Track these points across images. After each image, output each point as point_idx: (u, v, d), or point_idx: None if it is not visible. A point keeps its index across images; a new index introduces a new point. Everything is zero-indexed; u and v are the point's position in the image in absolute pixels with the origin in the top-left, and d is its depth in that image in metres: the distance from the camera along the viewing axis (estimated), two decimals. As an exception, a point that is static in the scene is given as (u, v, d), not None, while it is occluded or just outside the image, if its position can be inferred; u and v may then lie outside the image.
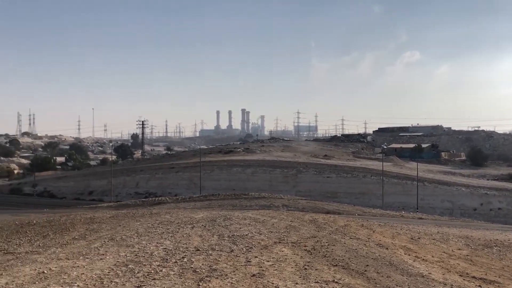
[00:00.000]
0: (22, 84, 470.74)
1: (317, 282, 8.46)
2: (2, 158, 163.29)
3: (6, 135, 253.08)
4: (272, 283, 8.04)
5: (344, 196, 65.46)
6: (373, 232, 16.98)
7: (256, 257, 10.16)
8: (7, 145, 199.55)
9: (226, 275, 8.39)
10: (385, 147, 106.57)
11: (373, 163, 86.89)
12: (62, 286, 7.66)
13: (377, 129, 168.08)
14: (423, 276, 10.19)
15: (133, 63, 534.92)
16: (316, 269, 9.49)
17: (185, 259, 9.66)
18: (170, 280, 7.90)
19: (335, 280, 8.71)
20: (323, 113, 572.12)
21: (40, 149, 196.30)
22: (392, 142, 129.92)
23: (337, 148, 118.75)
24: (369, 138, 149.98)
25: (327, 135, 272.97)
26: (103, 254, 10.53)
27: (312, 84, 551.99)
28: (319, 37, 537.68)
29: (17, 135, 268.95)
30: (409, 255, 13.21)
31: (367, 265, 10.55)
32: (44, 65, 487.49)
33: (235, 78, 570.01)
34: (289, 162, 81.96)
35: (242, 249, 11.00)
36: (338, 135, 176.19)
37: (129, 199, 63.12)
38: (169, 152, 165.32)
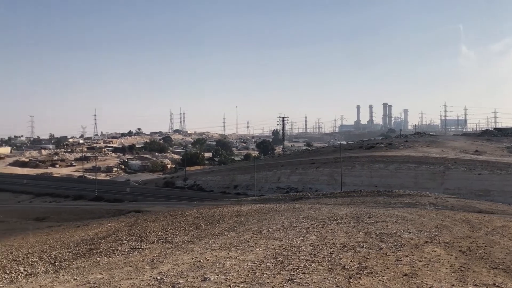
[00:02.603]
0: (174, 85, 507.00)
1: (475, 285, 7.88)
2: (157, 153, 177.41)
3: (160, 133, 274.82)
4: (426, 284, 7.65)
5: (498, 194, 60.48)
6: (536, 234, 15.43)
7: (406, 256, 9.76)
8: (161, 141, 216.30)
9: (377, 273, 8.16)
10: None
11: (532, 159, 79.16)
12: (217, 275, 8.04)
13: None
14: None
15: (273, 61, 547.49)
16: (473, 271, 8.85)
17: (333, 255, 9.60)
18: (320, 275, 7.90)
19: (496, 284, 8.04)
20: (473, 105, 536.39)
21: (190, 145, 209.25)
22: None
23: (489, 143, 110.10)
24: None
25: (477, 129, 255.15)
26: (253, 246, 10.88)
27: (460, 74, 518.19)
28: (468, 21, 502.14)
29: (169, 132, 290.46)
30: None
31: (532, 270, 9.60)
32: (192, 68, 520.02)
33: (375, 71, 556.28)
34: (436, 158, 77.84)
35: (391, 247, 10.64)
36: (491, 129, 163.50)
37: (271, 194, 64.67)
38: (309, 148, 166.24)
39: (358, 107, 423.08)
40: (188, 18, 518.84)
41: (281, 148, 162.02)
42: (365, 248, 10.47)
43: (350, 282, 7.51)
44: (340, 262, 8.95)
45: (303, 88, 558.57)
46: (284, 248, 10.42)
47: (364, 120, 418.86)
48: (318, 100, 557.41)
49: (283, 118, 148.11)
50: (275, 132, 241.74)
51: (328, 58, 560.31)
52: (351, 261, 9.05)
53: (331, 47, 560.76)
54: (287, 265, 8.63)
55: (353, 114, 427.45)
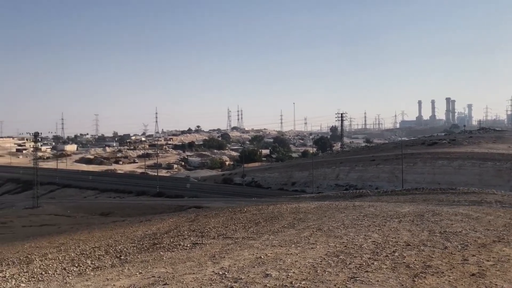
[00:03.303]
0: (232, 83, 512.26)
1: (549, 287, 7.48)
2: (215, 150, 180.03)
3: (218, 130, 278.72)
4: (496, 284, 7.33)
5: None
6: None
7: (473, 255, 9.40)
8: (220, 139, 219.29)
9: (443, 272, 7.91)
10: None
11: None
12: (279, 272, 8.04)
13: None
14: None
15: (330, 57, 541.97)
16: (547, 273, 8.41)
17: (396, 254, 9.38)
18: (383, 273, 7.74)
19: None
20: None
21: (247, 142, 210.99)
22: None
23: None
24: None
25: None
26: (313, 244, 10.81)
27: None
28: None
29: (227, 129, 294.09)
30: None
31: None
32: (250, 66, 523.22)
33: (438, 65, 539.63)
34: (502, 155, 74.59)
35: (457, 246, 10.28)
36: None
37: (330, 191, 64.14)
38: (368, 144, 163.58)
39: (419, 102, 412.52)
40: (243, 17, 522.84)
41: (339, 144, 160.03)
42: (430, 247, 10.17)
43: (415, 281, 7.32)
44: (404, 261, 8.73)
45: (362, 84, 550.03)
46: (345, 246, 10.29)
47: (426, 115, 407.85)
48: (377, 96, 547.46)
49: (341, 114, 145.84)
50: (333, 129, 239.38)
51: (388, 52, 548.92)
52: (415, 260, 8.81)
53: (392, 40, 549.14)
54: (349, 263, 8.52)
55: (415, 110, 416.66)
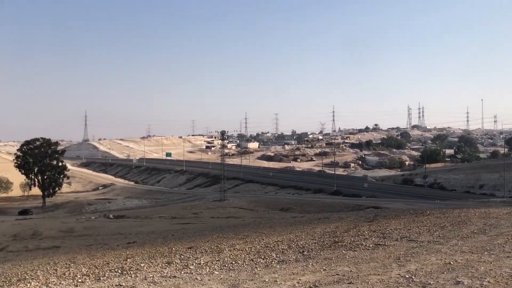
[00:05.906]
0: (412, 79, 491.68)
1: None
2: (394, 149, 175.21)
3: (398, 128, 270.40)
4: None
5: None
6: None
7: None
8: (399, 137, 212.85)
9: None
10: None
11: None
12: (471, 280, 7.55)
13: None
14: None
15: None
16: None
17: None
18: None
19: None
20: None
21: (429, 141, 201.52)
22: None
23: None
24: None
25: None
26: (510, 252, 9.93)
27: None
28: None
29: (407, 128, 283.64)
30: None
31: None
32: (430, 61, 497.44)
33: None
34: None
35: None
36: None
37: (524, 195, 58.15)
38: None
39: None
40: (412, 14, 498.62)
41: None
42: None
43: None
44: None
45: None
46: (548, 257, 9.27)
47: None
48: None
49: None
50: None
51: None
52: None
53: None
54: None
55: None
